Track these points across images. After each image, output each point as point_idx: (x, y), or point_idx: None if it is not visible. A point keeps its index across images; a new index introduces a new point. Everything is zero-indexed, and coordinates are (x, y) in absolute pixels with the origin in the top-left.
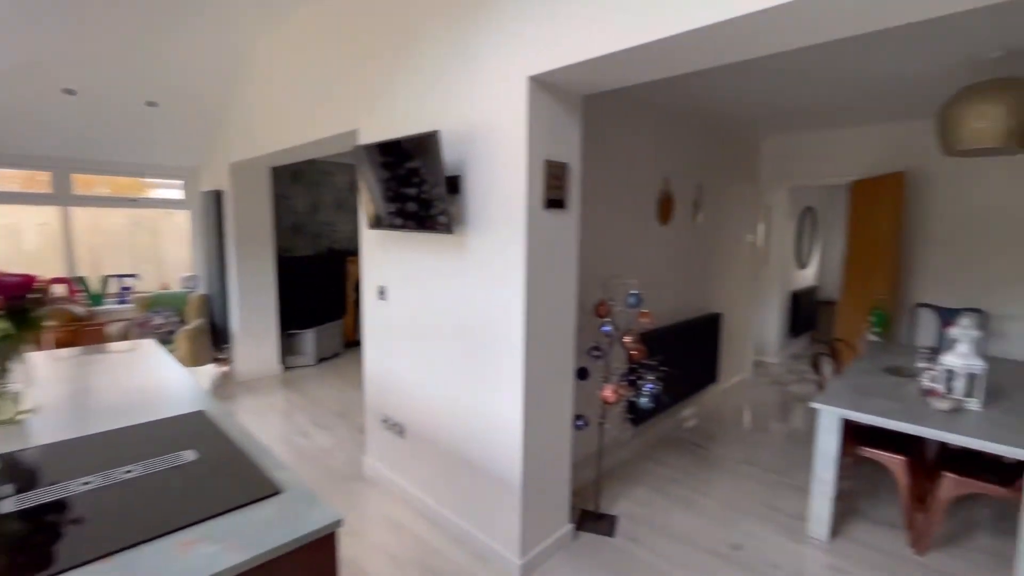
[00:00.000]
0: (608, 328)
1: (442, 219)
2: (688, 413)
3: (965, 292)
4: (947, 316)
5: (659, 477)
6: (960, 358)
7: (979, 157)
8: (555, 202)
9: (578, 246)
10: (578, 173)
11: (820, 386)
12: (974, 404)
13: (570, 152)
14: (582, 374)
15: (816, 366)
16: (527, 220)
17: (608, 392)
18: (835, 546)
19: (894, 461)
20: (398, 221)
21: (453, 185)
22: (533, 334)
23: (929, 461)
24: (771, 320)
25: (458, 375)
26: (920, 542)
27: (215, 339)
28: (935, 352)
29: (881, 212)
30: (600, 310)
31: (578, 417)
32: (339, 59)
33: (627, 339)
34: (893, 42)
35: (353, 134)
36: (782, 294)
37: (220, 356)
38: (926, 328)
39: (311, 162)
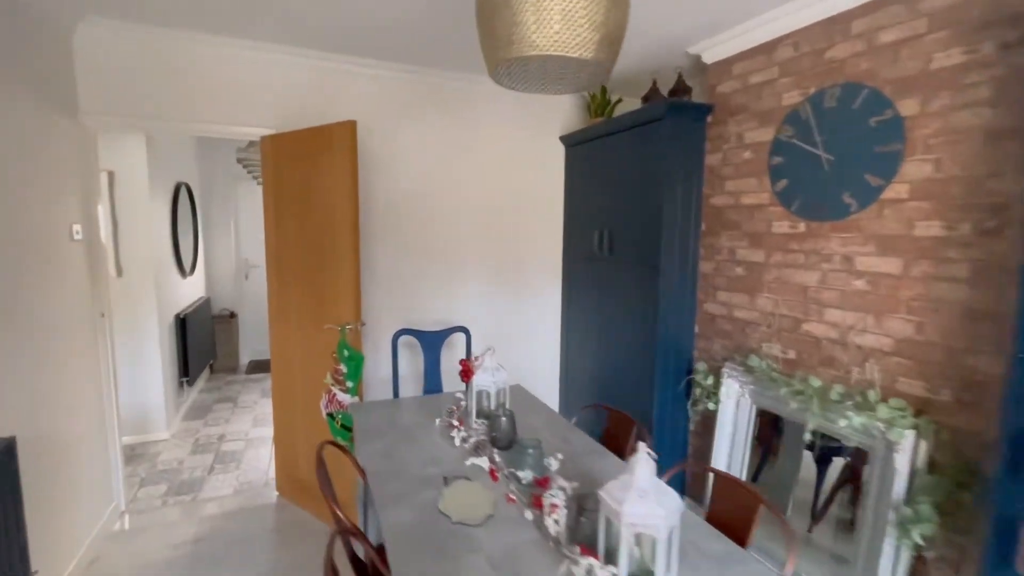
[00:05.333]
0: None
1: None
2: None
3: (439, 305)
4: (434, 346)
5: None
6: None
7: (525, 91)
8: None
9: None
10: None
11: None
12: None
13: None
14: None
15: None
16: None
17: None
18: None
19: None
20: None
21: None
22: None
23: None
24: (149, 373)
25: None
26: None
27: None
28: (461, 424)
29: (325, 187)
30: None
31: None
32: None
33: None
34: None
35: None
36: (164, 324)
37: None
38: (413, 365)
39: None
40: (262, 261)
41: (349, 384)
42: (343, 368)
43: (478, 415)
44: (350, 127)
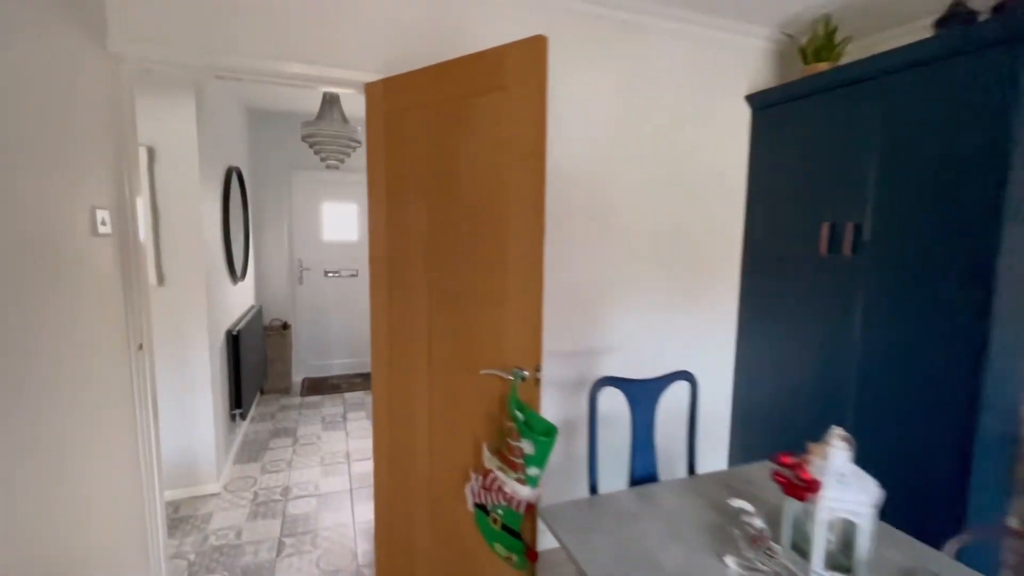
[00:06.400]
0: None
1: None
2: None
3: (612, 332)
4: (647, 403)
5: None
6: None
7: None
8: None
9: None
10: None
11: None
12: None
13: None
14: None
15: None
16: None
17: None
18: None
19: None
20: None
21: None
22: None
23: None
24: (196, 411)
25: None
26: None
27: None
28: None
29: (485, 149)
30: None
31: None
32: None
33: None
34: None
35: None
36: (214, 344)
37: None
38: (614, 433)
39: None
40: (315, 263)
41: (532, 471)
42: (526, 447)
43: (827, 564)
44: (538, 46)
